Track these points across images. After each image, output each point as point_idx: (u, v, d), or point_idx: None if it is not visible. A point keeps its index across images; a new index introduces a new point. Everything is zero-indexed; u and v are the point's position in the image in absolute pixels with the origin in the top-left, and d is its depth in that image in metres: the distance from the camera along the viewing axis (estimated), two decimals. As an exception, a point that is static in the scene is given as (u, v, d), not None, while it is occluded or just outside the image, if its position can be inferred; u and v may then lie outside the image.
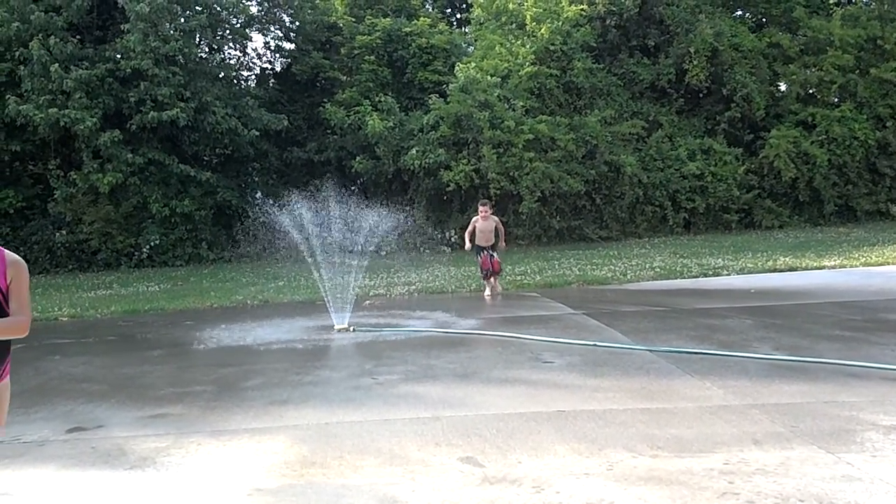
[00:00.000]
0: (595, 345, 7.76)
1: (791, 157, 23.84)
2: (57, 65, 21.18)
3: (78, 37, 22.97)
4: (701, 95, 25.75)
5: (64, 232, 22.56)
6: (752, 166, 24.47)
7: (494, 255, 12.73)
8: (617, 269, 14.91)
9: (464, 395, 6.04)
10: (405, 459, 4.51)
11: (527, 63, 23.67)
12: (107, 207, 22.31)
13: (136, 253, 22.56)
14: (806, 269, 13.71)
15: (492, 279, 12.78)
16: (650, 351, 7.33)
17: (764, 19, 27.90)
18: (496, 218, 13.13)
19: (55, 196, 22.41)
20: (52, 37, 21.58)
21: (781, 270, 13.67)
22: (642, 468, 4.18)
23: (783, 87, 26.02)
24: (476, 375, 6.75)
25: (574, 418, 5.19)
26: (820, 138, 24.30)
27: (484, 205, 12.91)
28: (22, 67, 21.85)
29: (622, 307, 10.58)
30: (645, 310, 10.25)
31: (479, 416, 5.36)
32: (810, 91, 25.77)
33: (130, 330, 11.01)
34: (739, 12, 28.38)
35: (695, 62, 24.55)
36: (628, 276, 13.81)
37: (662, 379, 6.24)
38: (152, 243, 22.41)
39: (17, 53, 21.92)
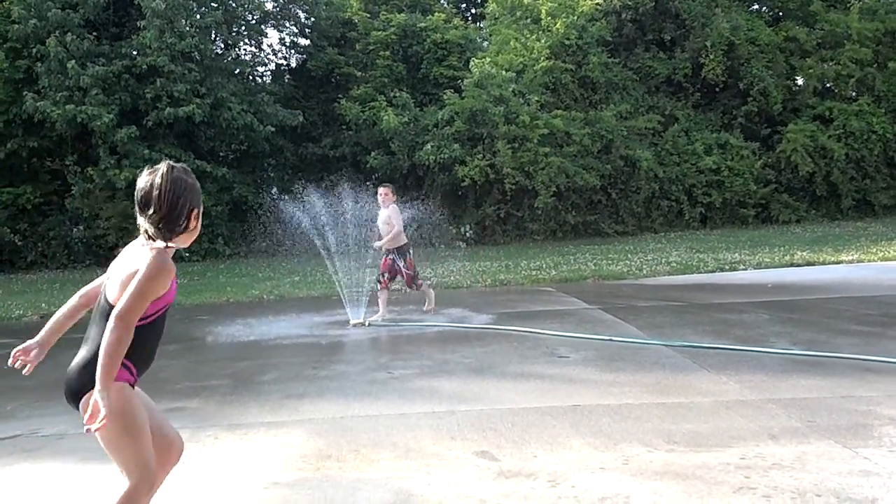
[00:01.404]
0: (611, 339, 7.75)
1: (808, 151, 23.71)
2: (74, 61, 21.31)
3: (94, 34, 23.11)
4: (717, 90, 25.64)
5: (81, 227, 22.71)
6: (769, 161, 24.36)
7: (399, 259, 10.05)
8: (633, 263, 14.87)
9: (479, 390, 6.04)
10: (421, 453, 4.51)
11: (542, 58, 23.63)
12: (123, 203, 22.40)
13: (152, 248, 22.65)
14: (823, 263, 13.63)
15: (410, 289, 10.45)
16: (666, 346, 7.31)
17: (781, 13, 27.79)
18: (395, 205, 10.16)
19: (72, 192, 22.55)
20: (69, 34, 21.71)
21: (798, 265, 13.60)
22: (658, 463, 4.17)
23: (800, 82, 25.88)
24: (491, 370, 6.75)
25: (590, 413, 5.18)
26: (837, 132, 24.16)
27: (385, 186, 10.27)
28: (39, 64, 21.99)
29: (638, 302, 10.55)
30: (661, 305, 10.22)
31: (495, 411, 5.37)
32: (828, 85, 25.63)
33: (147, 325, 11.04)
34: (756, 6, 28.29)
35: (711, 56, 24.45)
36: (644, 271, 13.77)
37: (678, 374, 6.22)
38: (168, 239, 22.49)
39: (34, 50, 22.06)
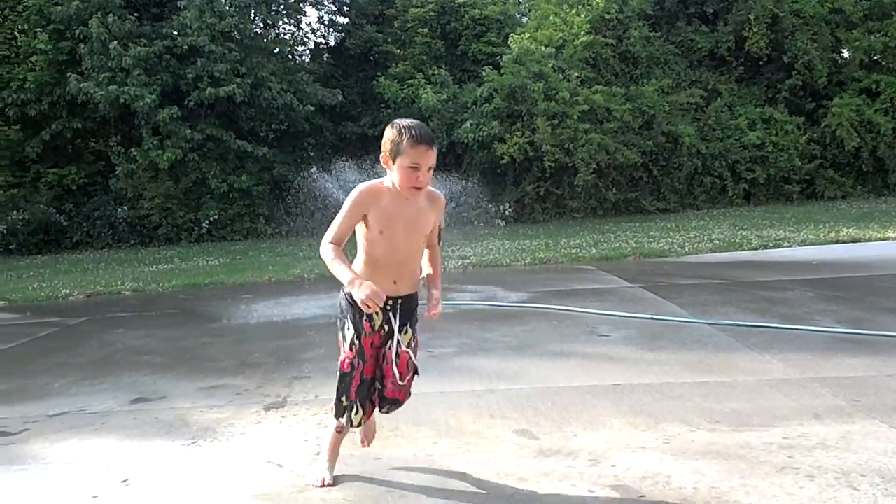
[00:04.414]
0: (652, 318, 7.69)
1: (854, 125, 23.25)
2: (116, 42, 21.53)
3: (136, 14, 23.32)
4: (761, 63, 25.21)
5: (125, 207, 23.02)
6: (814, 135, 23.93)
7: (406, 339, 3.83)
8: (674, 241, 14.73)
9: (519, 369, 6.04)
10: (460, 431, 4.53)
11: (582, 32, 23.39)
12: (167, 183, 22.69)
13: (195, 228, 22.95)
14: (869, 240, 13.39)
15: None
16: (708, 324, 7.24)
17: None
18: (443, 201, 3.85)
19: (116, 172, 22.86)
20: (111, 15, 21.93)
21: (844, 242, 13.37)
22: (700, 442, 4.14)
23: (846, 54, 25.33)
24: (531, 349, 6.74)
25: (630, 392, 5.16)
26: (884, 106, 23.64)
27: (429, 145, 3.50)
28: (82, 45, 22.27)
29: (680, 280, 10.46)
30: (703, 283, 10.12)
31: (534, 389, 5.36)
32: (874, 57, 25.07)
33: (191, 303, 11.22)
34: (801, -23, 27.65)
35: (755, 29, 24.02)
36: (686, 249, 13.63)
37: (721, 352, 6.16)
38: (211, 218, 22.76)
39: (77, 32, 22.34)
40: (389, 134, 3.46)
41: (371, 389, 3.81)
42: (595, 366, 6.03)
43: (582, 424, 4.54)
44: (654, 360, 6.03)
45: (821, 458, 3.83)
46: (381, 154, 3.48)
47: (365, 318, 3.65)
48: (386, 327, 3.73)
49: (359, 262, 3.68)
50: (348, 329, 3.72)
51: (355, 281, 3.39)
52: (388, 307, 3.64)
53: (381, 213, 3.56)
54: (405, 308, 3.78)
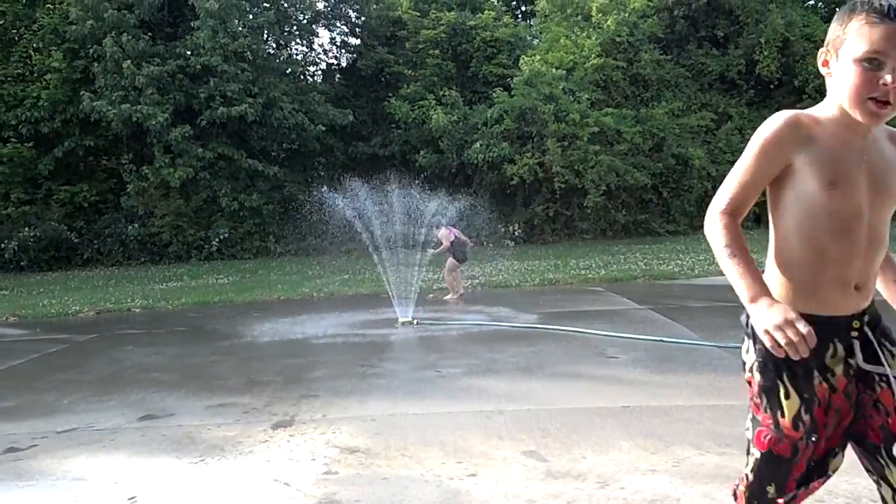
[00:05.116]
0: (661, 340, 7.66)
1: (865, 149, 23.23)
2: (129, 61, 21.72)
3: (149, 34, 23.55)
4: (772, 87, 25.26)
5: (136, 225, 23.12)
6: (825, 159, 23.92)
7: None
8: (684, 263, 14.70)
9: (527, 390, 6.02)
10: (468, 452, 4.50)
11: (592, 55, 23.50)
12: (177, 201, 22.80)
13: (205, 246, 23.03)
14: (881, 264, 13.32)
15: None
16: (718, 347, 7.20)
17: (837, 7, 27.07)
18: None
19: (128, 190, 22.99)
20: (125, 34, 22.14)
21: (855, 266, 13.30)
22: (709, 465, 4.11)
23: (857, 78, 25.37)
24: (540, 370, 6.71)
25: (639, 414, 5.13)
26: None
27: None
28: (96, 64, 22.48)
29: (689, 302, 10.43)
30: (713, 305, 10.08)
31: (543, 411, 5.34)
32: (886, 82, 25.08)
33: (200, 321, 11.23)
34: (812, 1, 27.78)
35: (765, 53, 24.11)
36: (696, 271, 13.59)
37: (731, 375, 6.12)
38: (221, 236, 22.84)
39: (91, 51, 22.55)
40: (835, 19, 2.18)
41: (821, 469, 2.31)
42: (604, 388, 6.00)
43: (591, 446, 4.51)
44: (664, 383, 6.00)
45: (831, 482, 3.76)
46: (819, 55, 2.23)
47: (818, 376, 2.13)
48: (853, 364, 2.14)
49: (783, 256, 2.35)
50: (784, 396, 2.20)
51: (761, 299, 2.04)
52: (854, 334, 2.14)
53: (826, 157, 2.11)
54: (876, 326, 2.20)
